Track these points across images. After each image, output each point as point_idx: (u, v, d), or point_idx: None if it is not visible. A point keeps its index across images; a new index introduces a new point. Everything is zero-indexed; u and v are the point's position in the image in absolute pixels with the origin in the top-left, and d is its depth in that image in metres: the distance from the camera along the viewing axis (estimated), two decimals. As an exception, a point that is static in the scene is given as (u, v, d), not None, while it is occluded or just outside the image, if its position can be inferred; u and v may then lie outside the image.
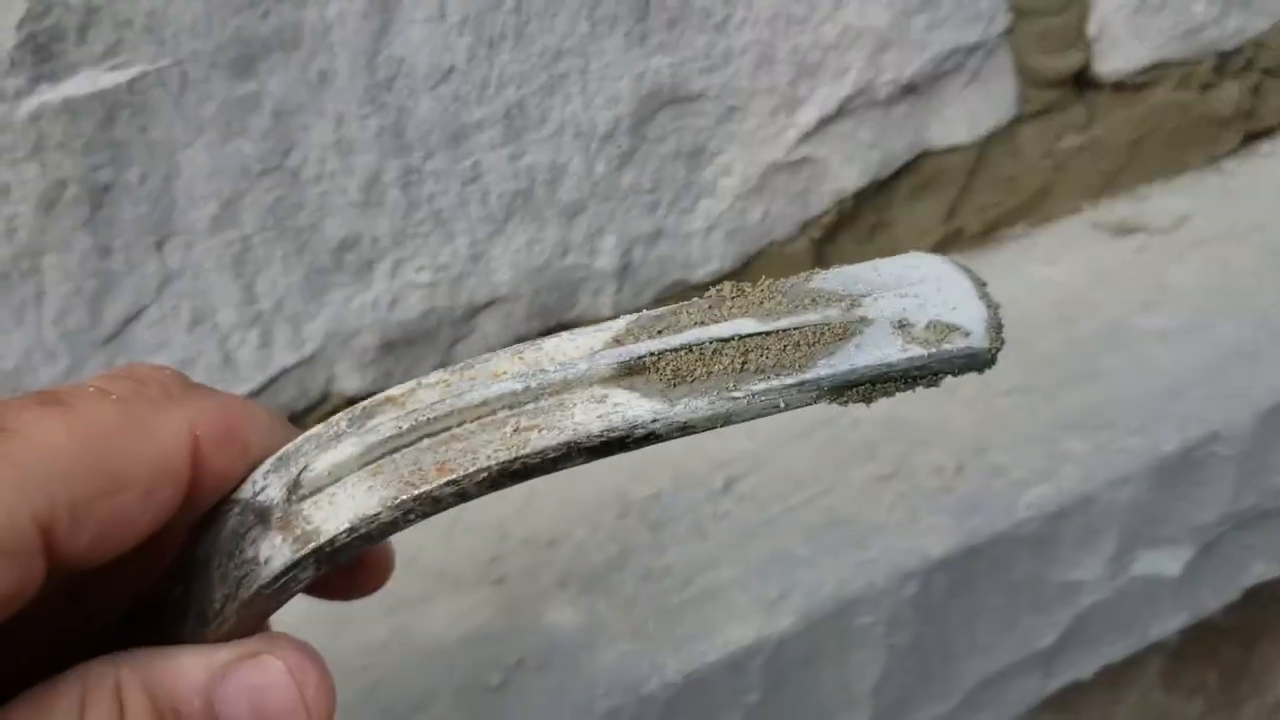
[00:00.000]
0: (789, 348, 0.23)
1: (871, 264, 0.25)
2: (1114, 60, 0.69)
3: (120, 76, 0.45)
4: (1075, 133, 0.70)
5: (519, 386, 0.24)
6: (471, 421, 0.24)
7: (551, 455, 0.23)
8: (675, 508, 0.53)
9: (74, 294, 0.47)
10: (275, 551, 0.24)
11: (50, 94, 0.45)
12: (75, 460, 0.22)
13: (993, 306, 0.24)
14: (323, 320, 0.52)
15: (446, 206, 0.52)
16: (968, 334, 0.23)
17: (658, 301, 0.60)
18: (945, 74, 0.63)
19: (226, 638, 0.25)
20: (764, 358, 0.23)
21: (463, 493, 0.23)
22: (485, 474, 0.23)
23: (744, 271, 0.62)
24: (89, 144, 0.45)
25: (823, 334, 0.23)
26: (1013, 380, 0.55)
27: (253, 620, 0.26)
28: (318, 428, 0.25)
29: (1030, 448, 0.50)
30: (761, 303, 0.24)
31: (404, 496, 0.23)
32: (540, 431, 0.23)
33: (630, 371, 0.23)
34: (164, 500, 0.23)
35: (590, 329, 0.24)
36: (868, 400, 0.24)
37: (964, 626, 0.48)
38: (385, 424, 0.24)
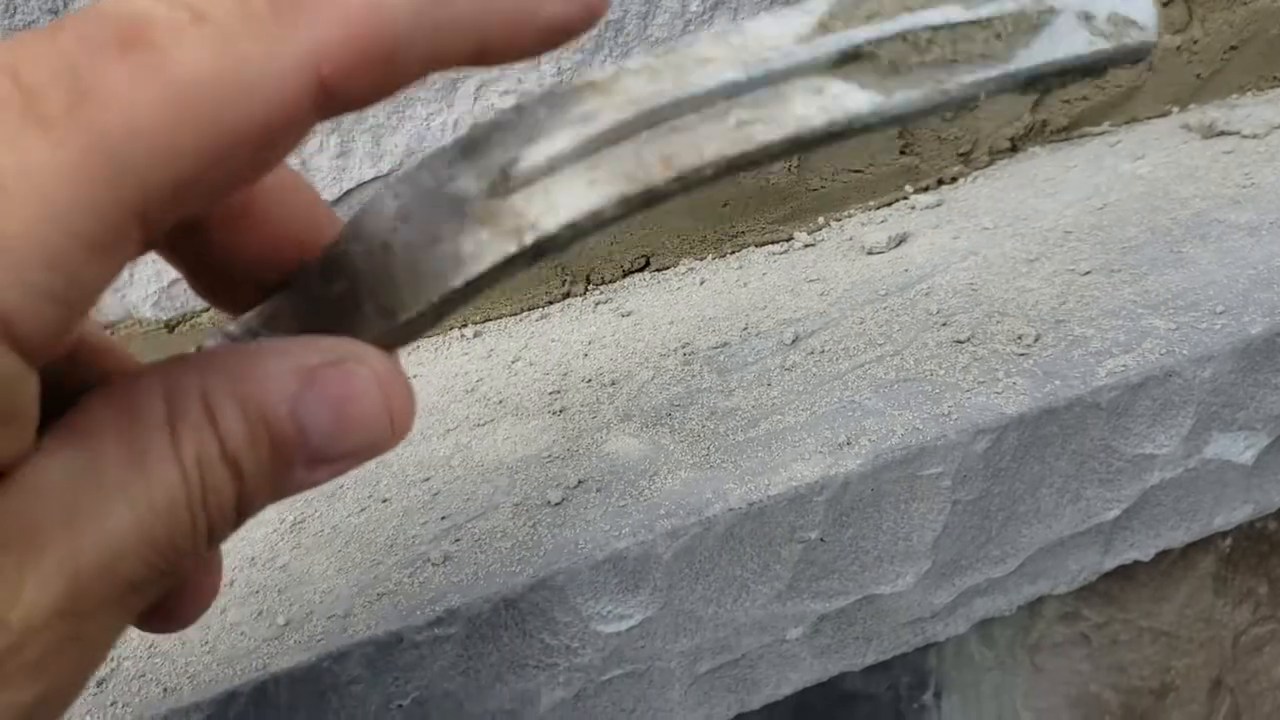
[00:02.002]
0: (990, 39, 0.23)
1: None
2: (1221, -41, 0.67)
3: None
4: (1172, 33, 0.68)
5: (741, 76, 0.22)
6: (691, 113, 0.22)
7: (774, 150, 0.22)
8: (742, 357, 0.52)
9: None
10: (482, 247, 0.23)
11: None
12: (173, 137, 0.18)
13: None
14: (403, 136, 0.51)
15: (536, 29, 0.51)
16: (1143, 29, 0.24)
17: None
18: (1050, -49, 0.61)
19: (412, 336, 0.24)
20: (970, 47, 0.23)
21: (686, 187, 0.22)
22: (711, 169, 0.22)
23: (826, 135, 0.60)
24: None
25: (1020, 24, 0.24)
26: (1096, 262, 0.54)
27: (437, 319, 0.24)
28: (508, 112, 0.23)
29: (1112, 321, 0.49)
30: None
31: (630, 191, 0.22)
32: (763, 125, 0.22)
33: (847, 60, 0.23)
34: (276, 157, 0.20)
35: (792, 10, 0.23)
36: (1047, 91, 0.24)
37: (1029, 491, 0.47)
38: (598, 113, 0.23)
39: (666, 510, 0.43)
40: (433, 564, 0.42)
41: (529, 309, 0.61)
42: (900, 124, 0.23)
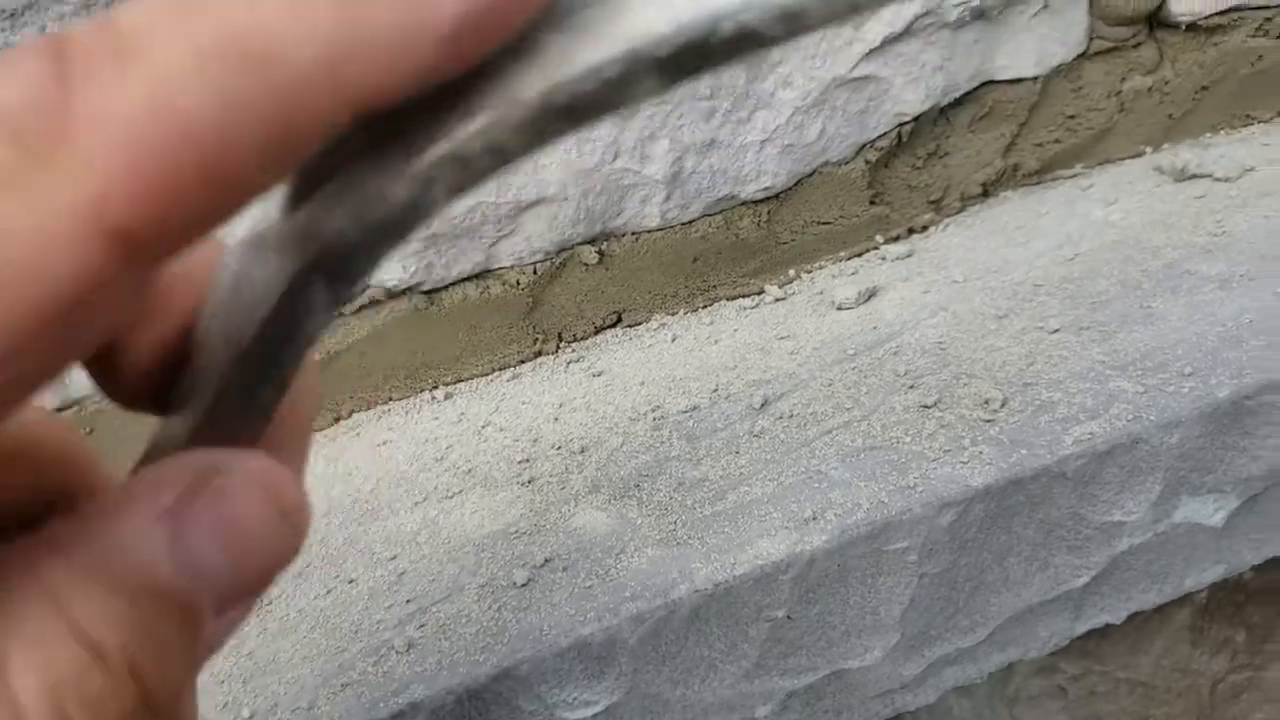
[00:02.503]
0: None
1: None
2: (1191, 1, 0.66)
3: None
4: (1142, 74, 0.68)
5: None
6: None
7: (608, 75, 0.16)
8: (711, 422, 0.52)
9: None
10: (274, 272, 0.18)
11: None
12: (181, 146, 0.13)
13: None
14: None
15: (499, 98, 0.51)
16: None
17: (705, 216, 0.59)
18: (1017, 1, 0.61)
19: (266, 396, 0.20)
20: None
21: (501, 153, 0.16)
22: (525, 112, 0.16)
23: (795, 190, 0.60)
24: None
25: None
26: (1065, 318, 0.54)
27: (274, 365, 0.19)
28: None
29: (1079, 385, 0.49)
30: None
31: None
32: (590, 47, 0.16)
33: None
34: (91, 331, 0.15)
35: None
36: None
37: (997, 560, 0.47)
38: None
39: (632, 592, 0.42)
40: (397, 652, 0.42)
41: (500, 369, 0.61)
42: (802, 25, 0.16)
